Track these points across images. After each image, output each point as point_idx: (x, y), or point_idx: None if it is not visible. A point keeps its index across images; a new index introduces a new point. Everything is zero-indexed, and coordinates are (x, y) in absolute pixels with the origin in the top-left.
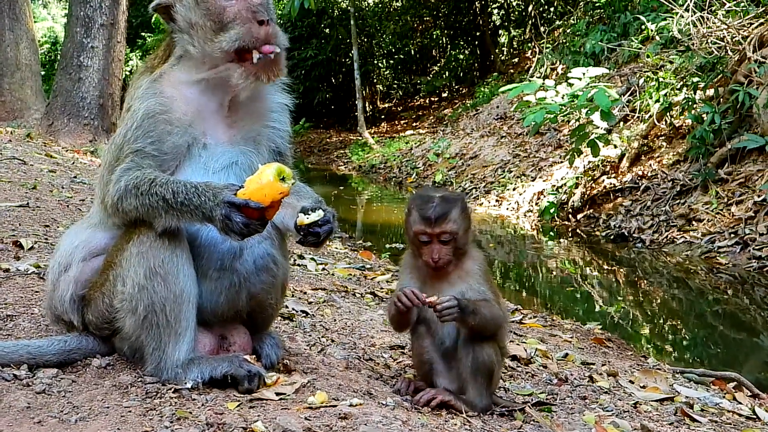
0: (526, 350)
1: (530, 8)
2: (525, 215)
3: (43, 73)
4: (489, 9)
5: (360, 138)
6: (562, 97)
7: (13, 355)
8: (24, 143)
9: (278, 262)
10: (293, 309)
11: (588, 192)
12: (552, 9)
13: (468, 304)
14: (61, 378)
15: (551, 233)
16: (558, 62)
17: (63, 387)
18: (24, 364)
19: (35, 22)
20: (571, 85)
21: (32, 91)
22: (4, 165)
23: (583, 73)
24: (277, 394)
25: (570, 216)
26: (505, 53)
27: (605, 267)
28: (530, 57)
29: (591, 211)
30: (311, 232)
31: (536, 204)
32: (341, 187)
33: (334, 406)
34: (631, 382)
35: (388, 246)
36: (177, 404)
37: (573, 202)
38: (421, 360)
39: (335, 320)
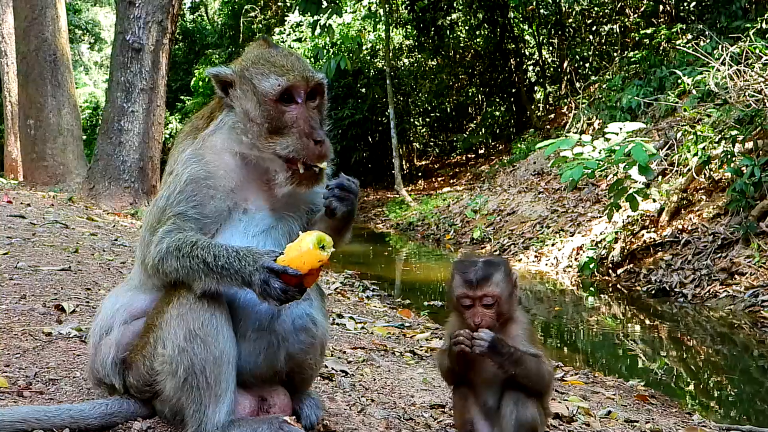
0: (568, 408)
1: (565, 64)
2: (564, 271)
3: (84, 137)
4: (524, 66)
5: (397, 196)
6: (600, 153)
7: (55, 419)
8: (66, 207)
9: (317, 322)
10: (333, 369)
11: (628, 247)
12: (587, 65)
13: (509, 349)
14: None
15: (591, 289)
16: (594, 117)
17: None
18: (66, 428)
19: (77, 87)
20: (608, 140)
21: (74, 155)
22: (47, 229)
23: (620, 128)
24: None
25: (610, 271)
26: (541, 109)
27: (647, 322)
28: (566, 113)
29: (631, 265)
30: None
31: (575, 259)
32: (389, 248)
33: None
34: None
35: (426, 304)
36: None
37: (613, 257)
38: (463, 420)
39: (375, 379)
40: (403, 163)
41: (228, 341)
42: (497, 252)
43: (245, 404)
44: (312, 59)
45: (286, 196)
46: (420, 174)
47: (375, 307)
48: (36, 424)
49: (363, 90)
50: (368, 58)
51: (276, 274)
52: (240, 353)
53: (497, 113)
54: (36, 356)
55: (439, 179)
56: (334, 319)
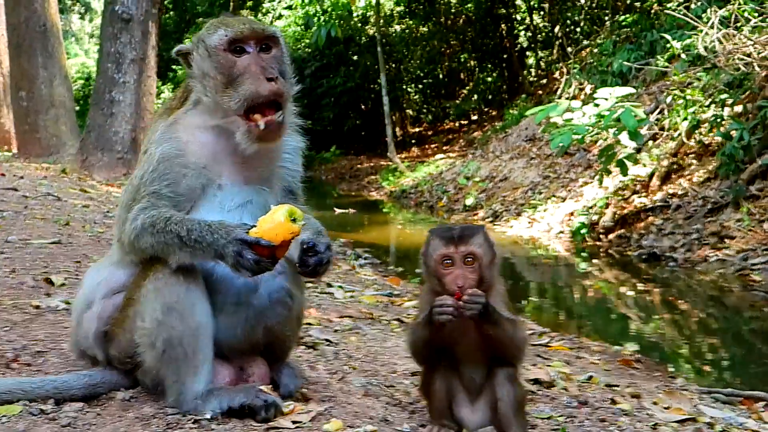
0: (549, 374)
1: (557, 29)
2: (557, 236)
3: (77, 108)
4: (515, 31)
5: (390, 163)
6: (589, 118)
7: (39, 390)
8: (59, 179)
9: (293, 296)
10: (317, 338)
11: (619, 212)
12: (578, 29)
13: (494, 313)
14: (87, 411)
15: (583, 254)
16: (586, 82)
17: (88, 420)
18: (51, 399)
19: (68, 58)
20: (597, 105)
21: (67, 127)
22: (39, 202)
23: (610, 93)
24: (294, 422)
25: (601, 236)
26: (533, 75)
27: (638, 287)
28: (558, 78)
29: (622, 230)
30: (302, 262)
31: (567, 225)
32: (383, 216)
33: None
34: (655, 403)
35: (417, 270)
36: None
37: (604, 222)
38: (443, 403)
39: (359, 348)
40: (396, 130)
41: (204, 314)
42: (489, 219)
43: (224, 374)
44: (302, 27)
45: (256, 160)
46: (413, 141)
47: (366, 275)
48: (21, 395)
49: (355, 57)
50: (359, 25)
51: (249, 245)
52: (218, 326)
53: (489, 79)
54: (24, 329)
55: (432, 146)
56: (322, 288)
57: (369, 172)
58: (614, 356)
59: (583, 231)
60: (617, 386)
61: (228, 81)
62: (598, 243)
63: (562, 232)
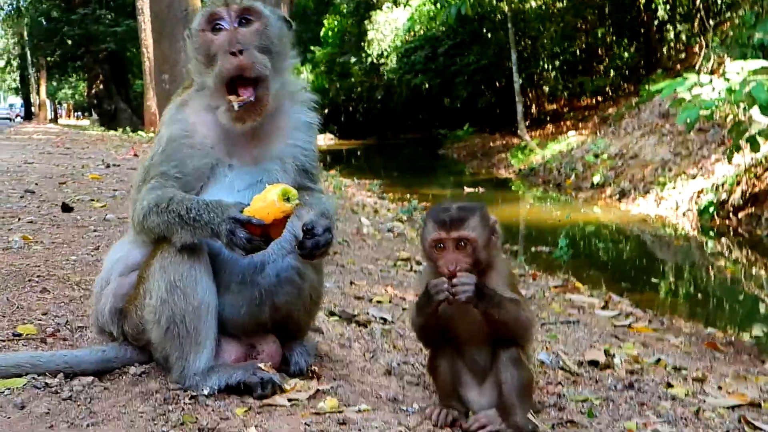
0: (611, 355)
1: (698, 1)
2: (684, 215)
3: None
4: (654, 5)
5: (521, 141)
6: (719, 93)
7: (49, 364)
8: None
9: (304, 275)
10: (373, 315)
11: (750, 190)
12: (720, 1)
13: (493, 294)
14: (95, 386)
15: (710, 233)
16: (725, 56)
17: (92, 394)
18: (60, 373)
19: None
20: (728, 80)
21: None
22: None
23: (742, 67)
24: (290, 400)
25: (730, 215)
26: (672, 49)
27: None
28: (697, 52)
29: (752, 209)
30: (300, 244)
31: (695, 203)
32: (509, 194)
33: (341, 411)
34: (719, 387)
35: (534, 249)
36: (187, 410)
37: (733, 200)
38: (450, 385)
39: None
40: (532, 107)
41: (207, 292)
42: (617, 197)
43: (231, 351)
44: (434, 4)
45: (263, 138)
46: (548, 118)
47: None
48: (30, 369)
49: (489, 35)
50: (494, 2)
51: (241, 224)
52: (224, 304)
53: (626, 55)
54: (78, 305)
55: (567, 123)
56: (414, 267)
57: (500, 150)
58: (704, 339)
59: (711, 209)
60: (685, 369)
61: (207, 61)
62: (726, 222)
63: (689, 210)
